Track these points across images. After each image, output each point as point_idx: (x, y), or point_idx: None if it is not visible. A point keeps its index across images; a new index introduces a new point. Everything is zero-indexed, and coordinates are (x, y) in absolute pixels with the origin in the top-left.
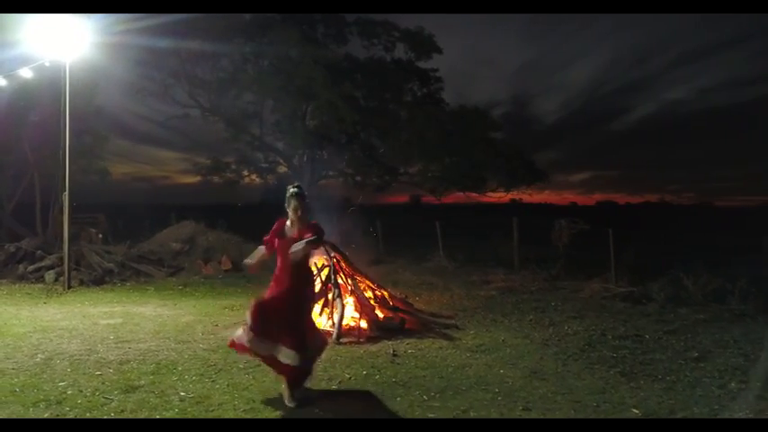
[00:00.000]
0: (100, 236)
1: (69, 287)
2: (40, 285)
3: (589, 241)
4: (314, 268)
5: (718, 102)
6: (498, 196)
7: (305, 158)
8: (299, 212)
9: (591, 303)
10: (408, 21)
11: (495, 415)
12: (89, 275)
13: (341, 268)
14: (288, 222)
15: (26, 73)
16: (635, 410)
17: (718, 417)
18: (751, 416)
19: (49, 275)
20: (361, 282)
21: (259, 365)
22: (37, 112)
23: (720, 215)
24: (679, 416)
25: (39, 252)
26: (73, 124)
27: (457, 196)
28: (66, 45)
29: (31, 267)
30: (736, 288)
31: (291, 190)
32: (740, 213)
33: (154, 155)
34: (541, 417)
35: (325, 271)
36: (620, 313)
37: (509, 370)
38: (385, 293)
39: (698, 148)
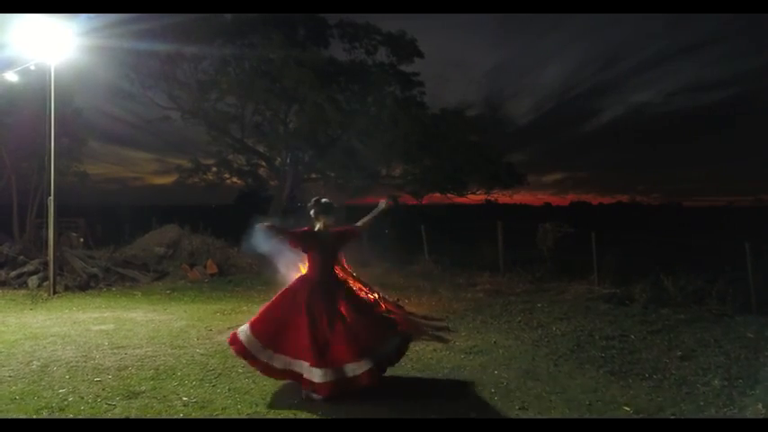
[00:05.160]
0: (81, 240)
1: (54, 293)
2: (23, 291)
3: (571, 244)
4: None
5: (682, 105)
6: (480, 199)
7: (287, 160)
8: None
9: (576, 305)
10: (383, 23)
11: (492, 415)
12: (74, 281)
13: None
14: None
15: (11, 77)
16: (626, 408)
17: (704, 412)
18: (736, 411)
19: (33, 281)
20: (353, 284)
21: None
22: (14, 115)
23: (690, 216)
24: (668, 412)
25: (21, 257)
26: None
27: (432, 197)
28: (51, 47)
29: (13, 273)
30: (715, 289)
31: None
32: (710, 214)
33: (124, 155)
34: (538, 415)
35: None
36: (605, 314)
37: (503, 371)
38: (377, 296)
39: (664, 149)
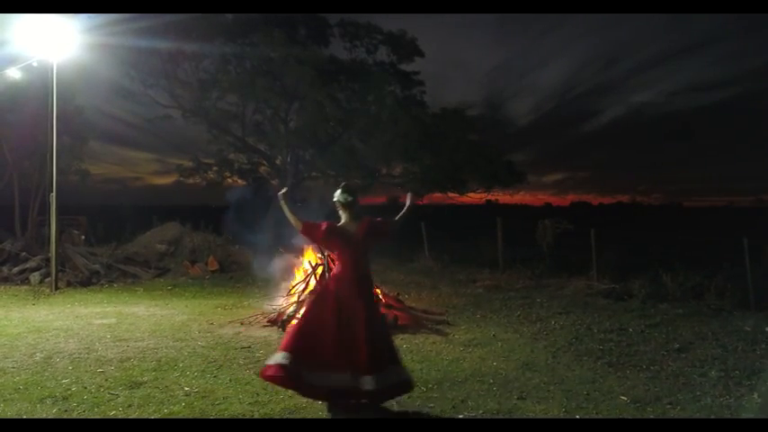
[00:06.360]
0: (82, 237)
1: (57, 288)
2: (25, 287)
3: (571, 241)
4: (308, 266)
5: (683, 105)
6: (480, 197)
7: (288, 159)
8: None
9: (575, 300)
10: (384, 22)
11: (492, 404)
12: (75, 277)
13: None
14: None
15: (14, 73)
16: (623, 397)
17: (700, 402)
18: (732, 401)
19: (35, 277)
20: None
21: (259, 361)
22: (16, 112)
23: (691, 216)
24: (665, 402)
25: (23, 254)
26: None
27: (433, 196)
28: (53, 45)
29: (15, 269)
30: (713, 285)
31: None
32: (710, 214)
33: (124, 155)
34: (536, 405)
35: (320, 269)
36: (603, 309)
37: (502, 362)
38: (377, 291)
39: (664, 149)
